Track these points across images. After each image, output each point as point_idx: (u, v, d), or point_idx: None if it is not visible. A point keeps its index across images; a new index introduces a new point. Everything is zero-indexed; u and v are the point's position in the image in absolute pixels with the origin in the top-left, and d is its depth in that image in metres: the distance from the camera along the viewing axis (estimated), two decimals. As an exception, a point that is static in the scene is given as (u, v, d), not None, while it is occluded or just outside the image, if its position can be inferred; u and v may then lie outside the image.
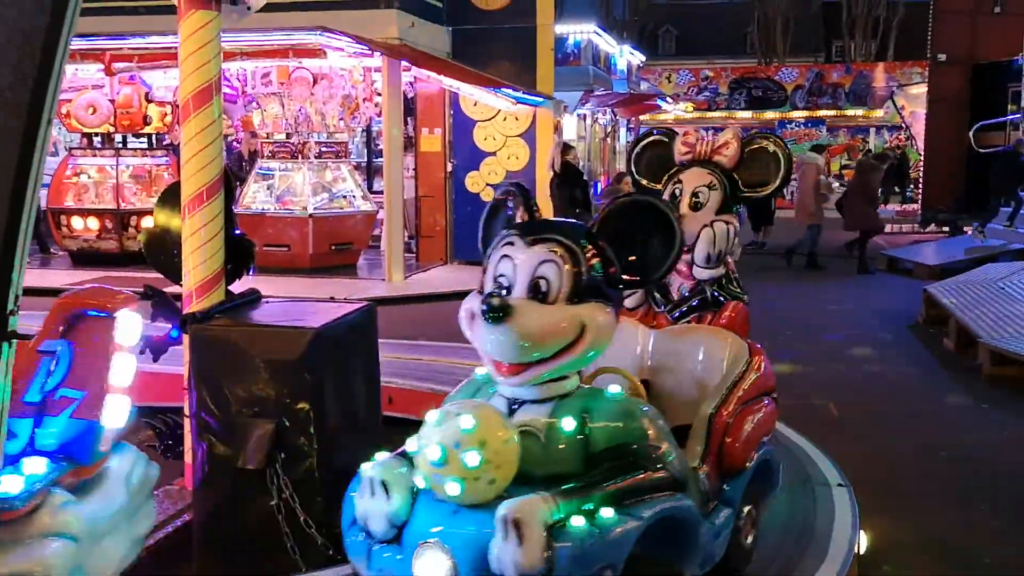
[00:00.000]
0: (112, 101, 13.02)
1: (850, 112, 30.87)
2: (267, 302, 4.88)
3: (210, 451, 4.22)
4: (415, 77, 13.19)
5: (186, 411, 4.52)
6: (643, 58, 30.59)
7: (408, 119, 13.97)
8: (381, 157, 13.40)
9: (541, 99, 13.72)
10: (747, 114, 31.42)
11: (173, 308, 5.12)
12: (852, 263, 14.27)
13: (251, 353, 4.13)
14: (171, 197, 4.98)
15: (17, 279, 2.47)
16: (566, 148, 10.93)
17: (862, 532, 4.17)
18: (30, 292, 8.84)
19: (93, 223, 13.35)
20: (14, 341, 2.48)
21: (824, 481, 4.64)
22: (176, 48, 4.59)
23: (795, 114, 30.54)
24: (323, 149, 13.31)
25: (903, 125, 25.21)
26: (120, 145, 13.75)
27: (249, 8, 4.85)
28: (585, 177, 17.47)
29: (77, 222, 13.45)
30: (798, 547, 4.01)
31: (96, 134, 13.56)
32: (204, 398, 4.21)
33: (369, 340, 4.64)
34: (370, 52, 11.41)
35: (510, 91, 13.07)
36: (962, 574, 4.44)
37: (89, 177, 13.72)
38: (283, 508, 4.11)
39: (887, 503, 5.07)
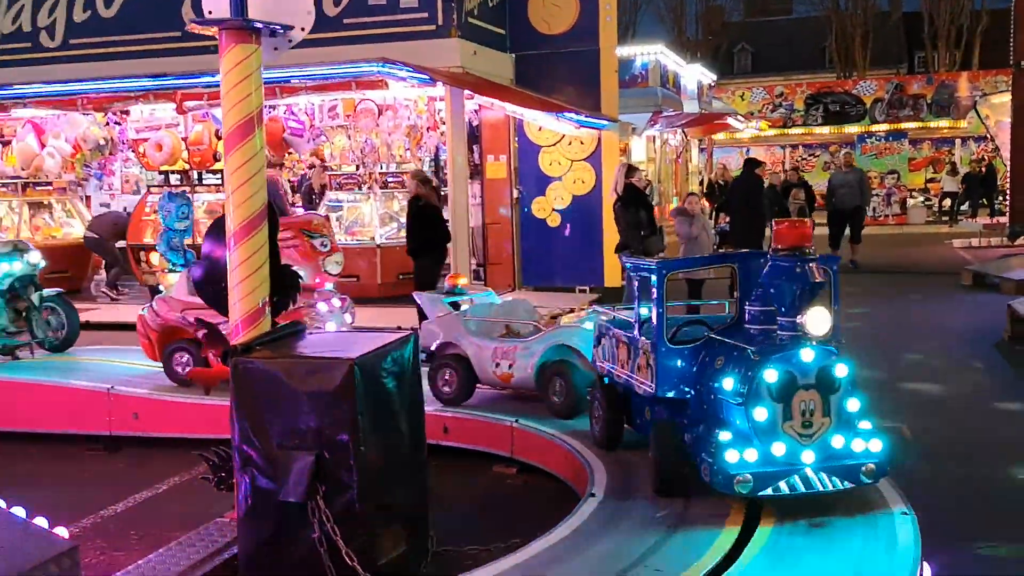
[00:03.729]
0: (184, 139, 13.37)
1: (933, 124, 29.99)
2: (310, 333, 4.89)
3: (253, 484, 4.22)
4: (479, 105, 13.24)
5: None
6: (714, 77, 30.25)
7: (474, 147, 14.01)
8: (449, 185, 13.46)
9: (605, 122, 13.62)
10: (826, 129, 30.80)
11: (223, 340, 5.17)
12: (935, 280, 13.78)
13: (290, 384, 4.13)
14: (217, 230, 5.05)
15: None
16: (630, 170, 10.77)
17: (926, 564, 3.93)
18: (111, 327, 9.08)
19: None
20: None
21: (886, 509, 4.41)
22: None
23: (876, 127, 29.77)
24: (390, 179, 13.43)
25: (988, 136, 24.36)
26: (196, 182, 14.10)
27: (291, 40, 4.90)
28: (654, 199, 17.35)
29: (155, 258, 13.79)
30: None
31: (172, 172, 13.92)
32: (246, 430, 4.21)
33: (412, 369, 4.59)
34: (432, 82, 11.48)
35: (573, 115, 13.01)
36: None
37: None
38: (325, 541, 4.08)
39: (956, 534, 4.80)
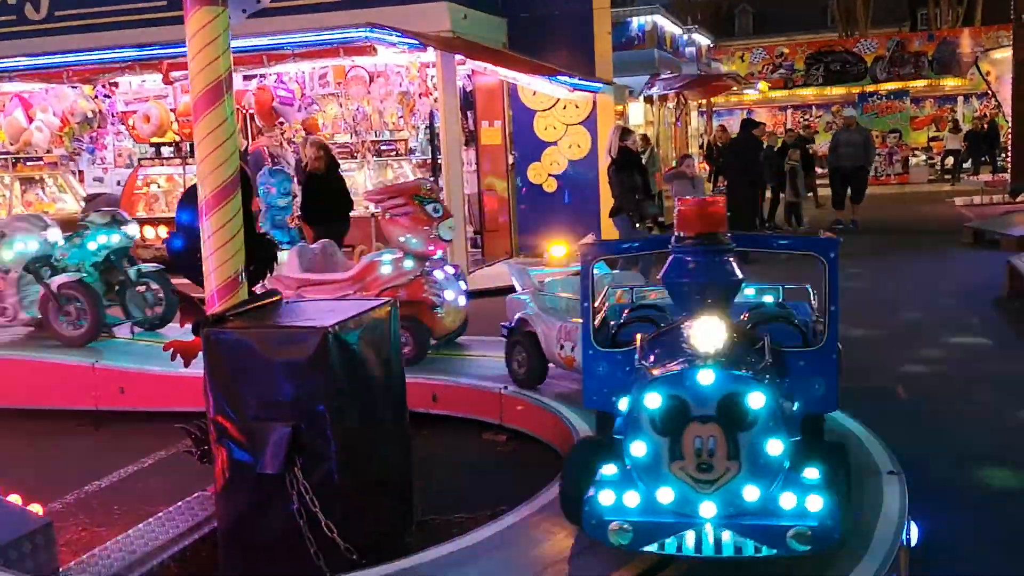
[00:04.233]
0: (173, 110, 13.23)
1: (936, 81, 29.61)
2: (287, 302, 4.79)
3: (229, 456, 4.14)
4: (472, 70, 13.06)
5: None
6: (712, 39, 29.89)
7: (468, 113, 13.85)
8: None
9: (600, 85, 13.45)
10: (828, 89, 30.43)
11: (198, 311, 5.08)
12: (936, 238, 13.64)
13: (264, 354, 4.04)
14: (190, 199, 4.94)
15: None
16: (624, 133, 10.59)
17: (914, 524, 3.86)
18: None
19: (164, 232, 13.57)
20: None
21: (875, 469, 4.33)
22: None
23: (882, 86, 29.38)
24: (383, 147, 13.29)
25: (989, 92, 24.08)
26: (188, 154, 13.97)
27: (259, 1, 4.76)
28: (654, 163, 17.16)
29: (149, 231, 13.69)
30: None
31: (162, 144, 13.79)
32: (220, 402, 4.13)
33: (391, 336, 4.50)
34: (423, 47, 11.31)
35: (566, 78, 12.84)
36: (1031, 569, 4.10)
37: (159, 187, 13.99)
38: (304, 513, 4.01)
39: (949, 494, 4.73)
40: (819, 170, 19.73)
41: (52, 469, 6.00)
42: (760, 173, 14.30)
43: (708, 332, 3.42)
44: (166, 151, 14.01)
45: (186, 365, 5.08)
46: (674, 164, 15.74)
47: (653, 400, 3.27)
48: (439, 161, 12.06)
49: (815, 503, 3.22)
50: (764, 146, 15.29)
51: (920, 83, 29.30)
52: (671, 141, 23.56)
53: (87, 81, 13.35)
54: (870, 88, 28.91)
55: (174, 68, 11.51)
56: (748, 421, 3.20)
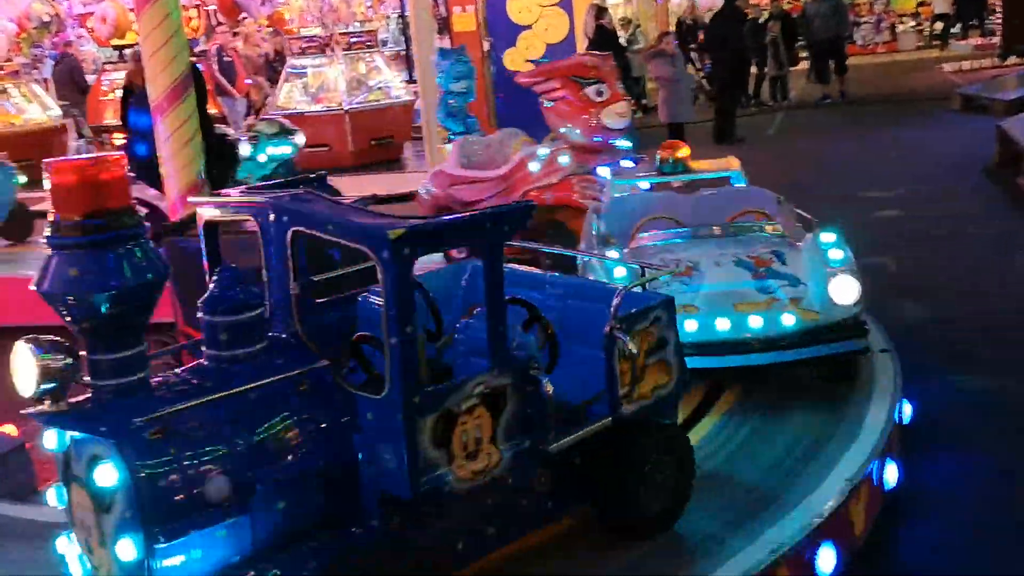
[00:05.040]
0: (132, 10, 12.70)
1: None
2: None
3: (202, 367, 4.01)
4: (440, -48, 12.52)
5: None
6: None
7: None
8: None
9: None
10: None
11: (162, 218, 4.89)
12: (925, 106, 13.41)
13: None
14: (142, 102, 4.71)
15: None
16: (600, 12, 10.21)
17: (907, 402, 3.78)
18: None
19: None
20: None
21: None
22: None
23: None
24: (353, 40, 12.83)
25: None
26: (151, 56, 13.51)
27: None
28: (637, 42, 16.68)
29: (119, 138, 13.36)
30: (831, 418, 3.68)
31: (125, 46, 13.31)
32: (188, 314, 3.99)
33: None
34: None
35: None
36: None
37: (125, 92, 13.56)
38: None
39: (936, 369, 4.65)
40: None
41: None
42: (744, 48, 13.88)
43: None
44: (130, 53, 13.53)
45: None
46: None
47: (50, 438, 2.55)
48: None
49: None
50: (747, 19, 14.81)
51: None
52: (653, 19, 22.88)
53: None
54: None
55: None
56: (105, 503, 2.35)
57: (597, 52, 7.79)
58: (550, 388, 2.74)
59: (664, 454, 3.03)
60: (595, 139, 6.01)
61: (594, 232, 4.59)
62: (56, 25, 13.99)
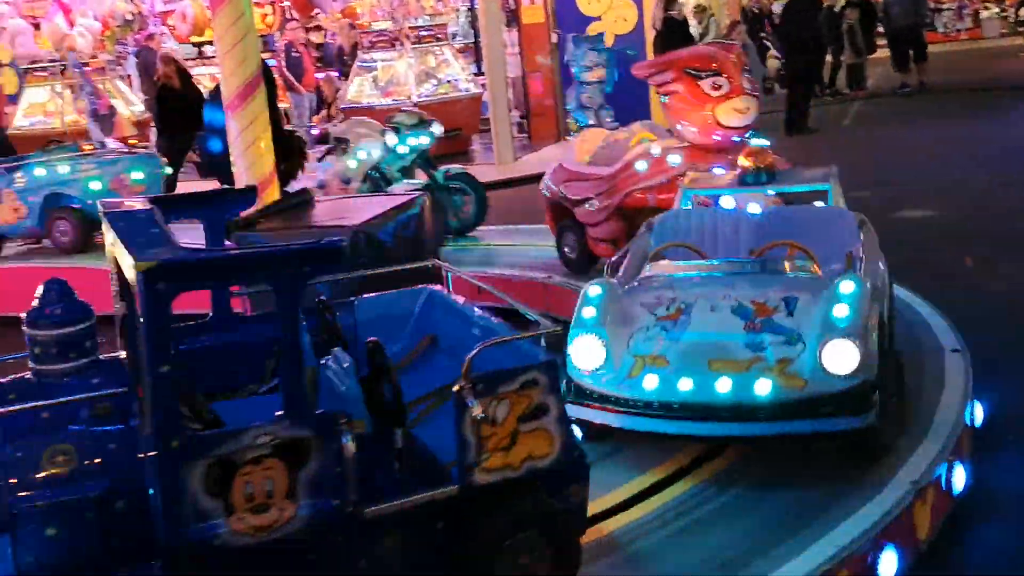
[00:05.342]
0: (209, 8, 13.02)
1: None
2: (319, 201, 4.69)
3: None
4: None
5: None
6: None
7: (508, -9, 13.35)
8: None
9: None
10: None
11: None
12: (1010, 96, 12.95)
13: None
14: (218, 99, 4.83)
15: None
16: (669, 2, 10.09)
17: (978, 403, 3.69)
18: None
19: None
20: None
21: (937, 347, 4.14)
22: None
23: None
24: (423, 34, 12.93)
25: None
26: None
27: None
28: (711, 33, 16.44)
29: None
30: (899, 419, 3.60)
31: (204, 43, 13.63)
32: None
33: (422, 229, 4.39)
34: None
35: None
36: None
37: (204, 88, 13.88)
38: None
39: (1011, 371, 4.50)
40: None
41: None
42: (820, 35, 13.59)
43: None
44: (211, 50, 13.86)
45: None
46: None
47: None
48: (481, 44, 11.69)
49: None
50: (823, 7, 14.52)
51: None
52: (725, 8, 22.55)
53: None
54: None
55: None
56: None
57: (720, 41, 7.46)
58: (351, 447, 2.45)
59: (536, 533, 2.67)
60: (714, 137, 5.49)
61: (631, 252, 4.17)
62: (138, 23, 14.39)
